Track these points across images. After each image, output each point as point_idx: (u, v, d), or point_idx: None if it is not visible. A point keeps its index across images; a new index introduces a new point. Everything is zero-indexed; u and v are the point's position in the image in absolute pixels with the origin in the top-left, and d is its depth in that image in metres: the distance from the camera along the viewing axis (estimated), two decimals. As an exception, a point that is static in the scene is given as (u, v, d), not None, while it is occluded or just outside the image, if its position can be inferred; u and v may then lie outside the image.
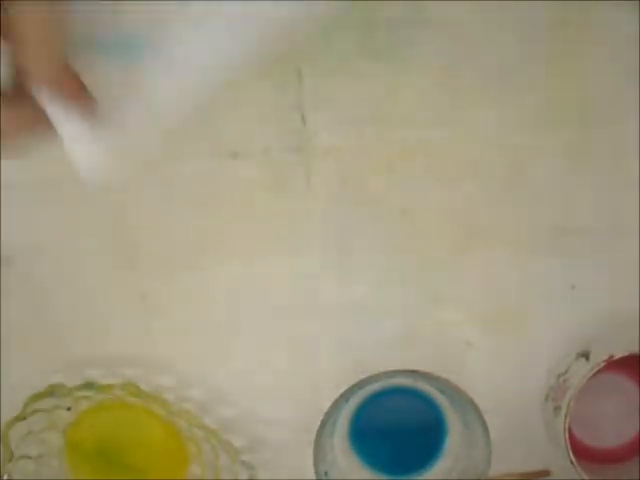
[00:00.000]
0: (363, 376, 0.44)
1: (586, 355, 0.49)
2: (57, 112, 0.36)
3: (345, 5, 0.47)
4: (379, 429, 0.49)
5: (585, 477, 0.46)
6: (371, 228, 0.51)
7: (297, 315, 0.52)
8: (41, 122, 0.37)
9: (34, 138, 0.37)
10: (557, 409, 0.48)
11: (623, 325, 0.51)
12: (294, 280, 0.52)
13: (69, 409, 0.50)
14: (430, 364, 0.45)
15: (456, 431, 0.48)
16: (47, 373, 0.51)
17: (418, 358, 0.51)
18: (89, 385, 0.49)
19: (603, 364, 0.46)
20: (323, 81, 0.49)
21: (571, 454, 0.46)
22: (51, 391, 0.49)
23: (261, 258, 0.52)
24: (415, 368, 0.44)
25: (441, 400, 0.48)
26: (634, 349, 0.46)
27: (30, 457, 0.49)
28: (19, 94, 0.36)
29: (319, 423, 0.43)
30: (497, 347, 0.52)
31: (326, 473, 0.45)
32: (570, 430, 0.47)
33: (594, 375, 0.46)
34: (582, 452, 0.49)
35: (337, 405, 0.44)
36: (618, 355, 0.46)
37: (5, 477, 0.48)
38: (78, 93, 0.36)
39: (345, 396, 0.44)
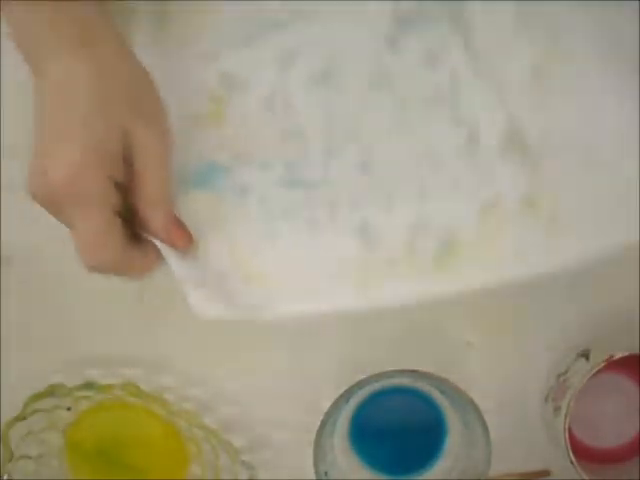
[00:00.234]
0: (363, 376, 0.44)
1: (586, 355, 0.49)
2: (166, 252, 0.45)
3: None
4: (379, 429, 0.49)
5: (585, 477, 0.46)
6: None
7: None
8: (158, 259, 0.45)
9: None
10: (557, 409, 0.48)
11: (623, 325, 0.51)
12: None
13: (69, 409, 0.50)
14: (430, 364, 0.45)
15: (456, 431, 0.48)
16: (47, 373, 0.51)
17: (418, 358, 0.51)
18: (89, 385, 0.49)
19: (603, 364, 0.46)
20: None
21: (571, 454, 0.46)
22: (51, 391, 0.49)
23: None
24: (415, 368, 0.44)
25: (441, 400, 0.48)
26: (634, 349, 0.46)
27: (30, 457, 0.49)
28: (139, 239, 0.44)
29: (319, 423, 0.43)
30: (497, 347, 0.52)
31: (326, 473, 0.45)
32: (570, 430, 0.47)
33: (594, 375, 0.46)
34: (582, 452, 0.49)
35: (337, 405, 0.44)
36: (618, 355, 0.46)
37: (5, 477, 0.48)
38: (183, 238, 0.45)
39: (345, 396, 0.44)
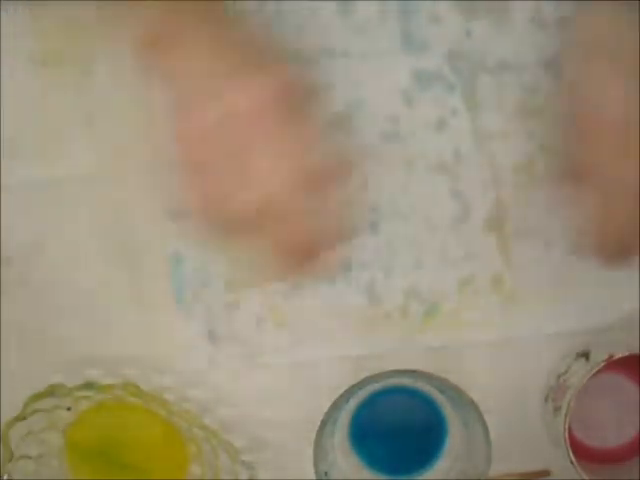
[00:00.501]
0: (363, 376, 0.44)
1: (586, 355, 0.49)
2: None
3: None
4: (379, 429, 0.49)
5: (585, 477, 0.46)
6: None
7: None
8: None
9: None
10: (557, 409, 0.48)
11: (623, 325, 0.51)
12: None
13: (69, 409, 0.50)
14: (430, 364, 0.44)
15: (456, 431, 0.48)
16: (47, 373, 0.50)
17: (418, 358, 0.51)
18: (89, 385, 0.49)
19: (603, 364, 0.46)
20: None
21: (571, 454, 0.46)
22: (51, 391, 0.49)
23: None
24: (415, 368, 0.44)
25: (441, 400, 0.48)
26: (634, 349, 0.46)
27: (30, 457, 0.49)
28: None
29: (319, 423, 0.43)
30: (497, 347, 0.52)
31: (326, 473, 0.44)
32: (570, 430, 0.47)
33: (594, 375, 0.46)
34: (582, 452, 0.49)
35: (337, 405, 0.44)
36: (618, 355, 0.46)
37: (5, 477, 0.48)
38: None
39: (345, 396, 0.44)
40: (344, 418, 0.48)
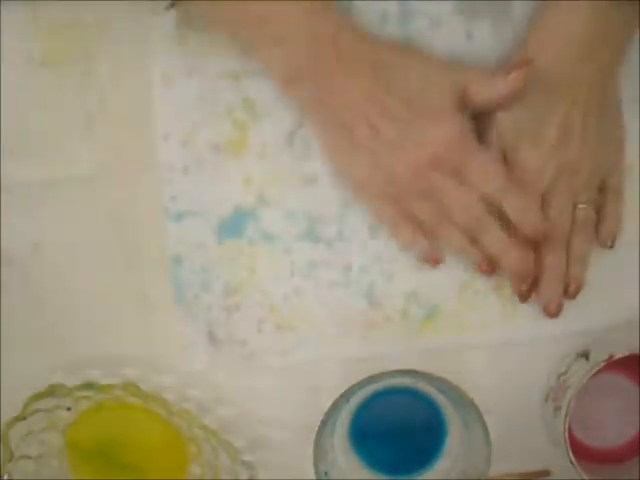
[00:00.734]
0: (363, 376, 0.44)
1: (586, 355, 0.49)
2: None
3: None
4: (379, 429, 0.49)
5: (585, 477, 0.46)
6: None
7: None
8: None
9: None
10: (557, 409, 0.48)
11: (623, 325, 0.51)
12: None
13: (69, 409, 0.50)
14: (430, 366, 0.45)
15: (456, 431, 0.48)
16: (47, 373, 0.51)
17: (418, 360, 0.51)
18: (89, 385, 0.49)
19: (603, 364, 0.46)
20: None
21: (571, 454, 0.46)
22: (51, 391, 0.49)
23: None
24: (415, 368, 0.44)
25: (441, 400, 0.48)
26: (634, 349, 0.46)
27: (30, 457, 0.49)
28: None
29: (319, 423, 0.43)
30: (497, 348, 0.52)
31: (326, 473, 0.44)
32: (570, 430, 0.47)
33: (594, 375, 0.46)
34: (582, 452, 0.49)
35: (337, 405, 0.44)
36: (618, 355, 0.46)
37: (5, 477, 0.48)
38: None
39: (345, 396, 0.44)
40: (344, 418, 0.48)
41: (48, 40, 0.52)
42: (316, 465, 0.44)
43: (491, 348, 0.52)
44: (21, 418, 0.48)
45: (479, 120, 0.49)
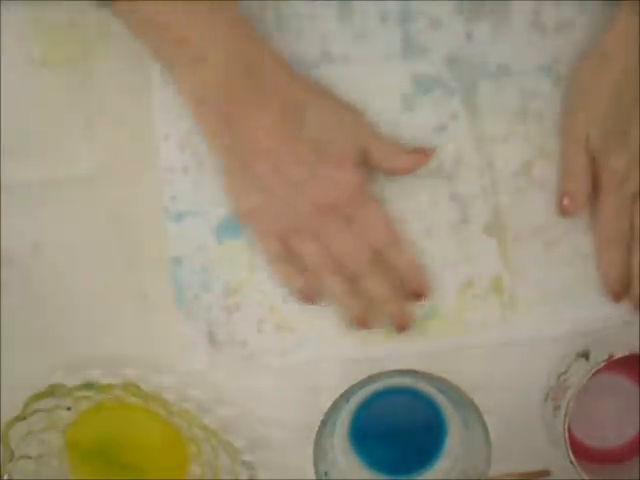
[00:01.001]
0: (363, 376, 0.44)
1: (586, 355, 0.49)
2: None
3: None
4: (379, 429, 0.49)
5: (585, 477, 0.46)
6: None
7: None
8: None
9: None
10: (557, 409, 0.48)
11: (623, 325, 0.51)
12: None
13: (69, 409, 0.50)
14: (430, 367, 0.44)
15: (456, 431, 0.48)
16: (47, 373, 0.51)
17: (418, 361, 0.51)
18: (89, 385, 0.49)
19: (603, 364, 0.46)
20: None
21: (571, 454, 0.46)
22: (51, 391, 0.49)
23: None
24: (415, 368, 0.44)
25: (441, 400, 0.48)
26: (634, 349, 0.46)
27: (30, 457, 0.49)
28: None
29: (319, 423, 0.43)
30: (497, 349, 0.52)
31: (326, 473, 0.44)
32: (570, 430, 0.47)
33: (594, 375, 0.46)
34: (582, 452, 0.49)
35: (337, 405, 0.44)
36: (618, 355, 0.46)
37: (5, 477, 0.48)
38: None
39: (345, 396, 0.44)
40: (344, 418, 0.48)
41: (48, 40, 0.52)
42: (316, 465, 0.44)
43: (491, 348, 0.52)
44: (21, 418, 0.48)
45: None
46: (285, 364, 0.52)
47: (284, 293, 0.51)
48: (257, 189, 0.48)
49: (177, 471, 0.52)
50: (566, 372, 0.49)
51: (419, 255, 0.51)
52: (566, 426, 0.46)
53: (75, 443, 0.51)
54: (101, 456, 0.51)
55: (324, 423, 0.44)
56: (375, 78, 0.51)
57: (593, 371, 0.46)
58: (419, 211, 0.52)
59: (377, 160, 0.49)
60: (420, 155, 0.49)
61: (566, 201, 0.50)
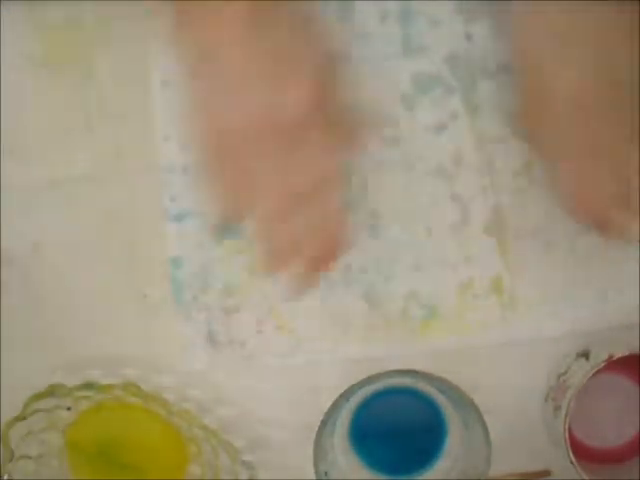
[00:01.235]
0: (363, 376, 0.44)
1: (586, 355, 0.49)
2: None
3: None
4: (379, 429, 0.49)
5: (585, 477, 0.46)
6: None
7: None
8: None
9: None
10: (557, 409, 0.48)
11: (623, 325, 0.51)
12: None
13: (69, 409, 0.50)
14: (430, 367, 0.45)
15: (456, 431, 0.48)
16: (47, 373, 0.51)
17: (418, 361, 0.51)
18: (89, 385, 0.49)
19: (603, 364, 0.46)
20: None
21: (571, 454, 0.46)
22: (51, 391, 0.49)
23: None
24: (415, 368, 0.44)
25: (441, 400, 0.48)
26: (634, 349, 0.46)
27: (30, 457, 0.49)
28: None
29: (319, 423, 0.43)
30: (497, 349, 0.52)
31: (326, 473, 0.44)
32: (570, 430, 0.47)
33: (594, 375, 0.46)
34: (582, 452, 0.49)
35: (337, 405, 0.44)
36: (618, 355, 0.46)
37: (5, 477, 0.48)
38: None
39: (345, 396, 0.44)
40: (344, 418, 0.48)
41: (48, 40, 0.52)
42: (316, 465, 0.44)
43: (491, 348, 0.51)
44: (21, 418, 0.48)
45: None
46: (285, 364, 0.52)
47: (284, 293, 0.51)
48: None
49: (177, 471, 0.52)
50: (566, 372, 0.49)
51: (419, 254, 0.51)
52: (566, 426, 0.46)
53: (75, 443, 0.51)
54: (101, 456, 0.51)
55: (324, 423, 0.44)
56: (375, 78, 0.51)
57: (593, 371, 0.46)
58: (419, 211, 0.52)
59: None
60: None
61: None
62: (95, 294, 0.52)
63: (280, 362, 0.52)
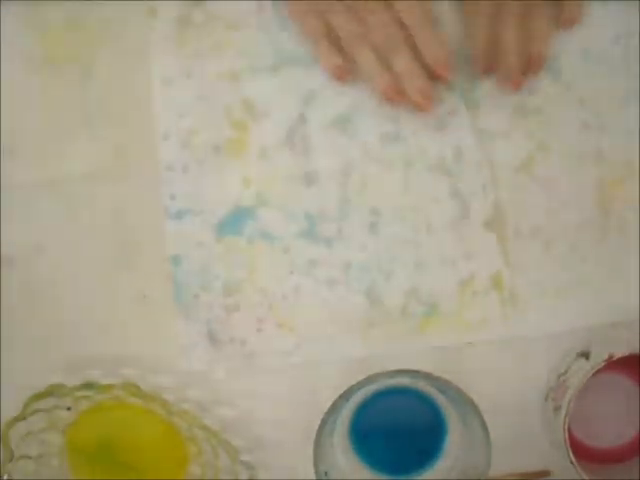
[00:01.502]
0: (363, 376, 0.44)
1: (586, 355, 0.49)
2: None
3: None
4: (379, 429, 0.49)
5: (585, 477, 0.46)
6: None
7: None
8: None
9: None
10: (557, 409, 0.48)
11: (623, 325, 0.51)
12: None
13: (69, 409, 0.50)
14: (430, 365, 0.44)
15: (456, 431, 0.48)
16: (47, 373, 0.51)
17: (418, 359, 0.51)
18: (89, 385, 0.49)
19: (603, 364, 0.46)
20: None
21: (571, 454, 0.46)
22: (51, 391, 0.49)
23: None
24: (415, 367, 0.44)
25: (441, 400, 0.48)
26: (634, 349, 0.46)
27: (30, 457, 0.49)
28: None
29: (319, 423, 0.43)
30: (497, 347, 0.52)
31: (326, 473, 0.44)
32: (570, 430, 0.47)
33: (594, 375, 0.46)
34: (582, 452, 0.49)
35: (337, 405, 0.44)
36: (618, 355, 0.46)
37: (5, 477, 0.48)
38: None
39: (345, 396, 0.44)
40: (344, 418, 0.48)
41: (48, 40, 0.52)
42: (316, 465, 0.44)
43: (491, 347, 0.52)
44: (21, 418, 0.48)
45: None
46: (285, 364, 0.52)
47: (284, 292, 0.51)
48: None
49: (177, 471, 0.52)
50: (566, 372, 0.49)
51: (419, 251, 0.51)
52: (566, 426, 0.46)
53: (75, 443, 0.51)
54: (101, 456, 0.51)
55: (324, 423, 0.44)
56: None
57: (593, 371, 0.46)
58: (419, 207, 0.52)
59: None
60: None
61: None
62: (95, 294, 0.52)
63: (280, 360, 0.51)
